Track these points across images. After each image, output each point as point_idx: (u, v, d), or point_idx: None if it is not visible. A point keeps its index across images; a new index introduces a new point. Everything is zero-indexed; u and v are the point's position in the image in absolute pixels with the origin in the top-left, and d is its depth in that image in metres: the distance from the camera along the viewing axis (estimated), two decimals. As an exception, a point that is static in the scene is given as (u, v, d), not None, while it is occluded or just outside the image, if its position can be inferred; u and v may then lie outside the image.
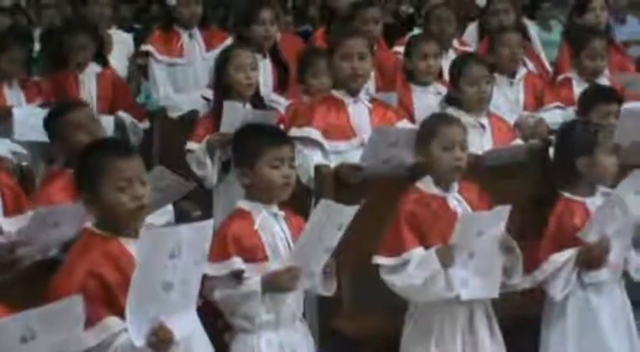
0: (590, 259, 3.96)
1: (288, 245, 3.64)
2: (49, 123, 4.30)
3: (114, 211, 3.18)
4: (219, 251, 3.50)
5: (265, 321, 3.58)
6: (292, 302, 3.64)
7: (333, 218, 3.53)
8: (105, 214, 3.21)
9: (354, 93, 4.85)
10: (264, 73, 6.00)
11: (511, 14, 7.04)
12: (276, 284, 3.53)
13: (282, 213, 3.69)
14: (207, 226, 3.16)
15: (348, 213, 3.55)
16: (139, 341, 2.97)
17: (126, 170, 3.19)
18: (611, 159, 4.08)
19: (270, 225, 3.65)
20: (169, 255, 3.01)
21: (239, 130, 3.94)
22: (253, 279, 3.53)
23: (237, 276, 3.54)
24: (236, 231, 3.58)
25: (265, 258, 3.60)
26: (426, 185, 3.98)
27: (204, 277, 3.35)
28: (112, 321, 3.04)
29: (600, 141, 4.09)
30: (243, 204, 3.69)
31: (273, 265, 3.57)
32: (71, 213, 3.65)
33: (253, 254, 3.58)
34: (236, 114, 5.03)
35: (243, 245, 3.57)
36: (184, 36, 6.59)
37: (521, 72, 6.08)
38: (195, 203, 4.99)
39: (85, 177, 3.25)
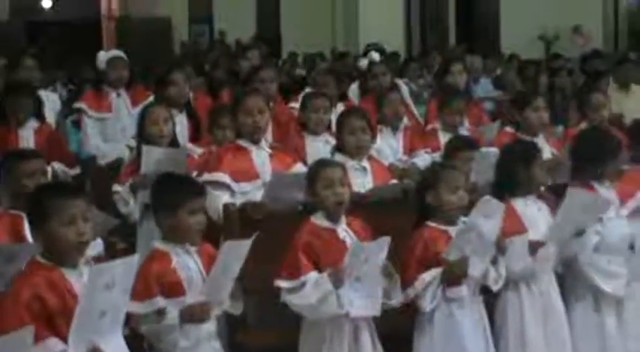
0: (452, 276, 4.11)
1: (201, 275, 3.75)
2: (2, 166, 4.30)
3: (59, 244, 3.28)
4: (144, 290, 3.59)
5: (186, 346, 3.67)
6: (208, 324, 3.76)
7: (236, 253, 3.69)
8: (51, 247, 3.30)
9: (256, 141, 5.01)
10: (181, 126, 6.19)
11: (387, 76, 7.38)
12: (191, 317, 3.66)
13: (193, 249, 3.80)
14: (133, 260, 3.31)
15: (246, 245, 3.71)
16: None
17: (71, 208, 3.29)
18: (451, 195, 4.15)
19: (186, 262, 3.76)
20: (105, 287, 3.14)
21: (161, 180, 3.95)
22: (172, 314, 3.63)
23: (159, 311, 3.64)
24: (157, 271, 3.68)
25: (183, 293, 3.71)
26: (319, 219, 4.11)
27: (131, 313, 3.48)
28: (53, 342, 3.14)
29: (442, 178, 4.19)
30: (160, 245, 3.78)
31: (190, 298, 3.69)
32: (25, 250, 3.65)
33: (173, 290, 3.69)
34: (152, 155, 5.25)
35: (164, 283, 3.68)
36: (113, 94, 6.78)
37: (402, 124, 6.36)
38: (120, 237, 5.04)
39: (36, 213, 3.35)
